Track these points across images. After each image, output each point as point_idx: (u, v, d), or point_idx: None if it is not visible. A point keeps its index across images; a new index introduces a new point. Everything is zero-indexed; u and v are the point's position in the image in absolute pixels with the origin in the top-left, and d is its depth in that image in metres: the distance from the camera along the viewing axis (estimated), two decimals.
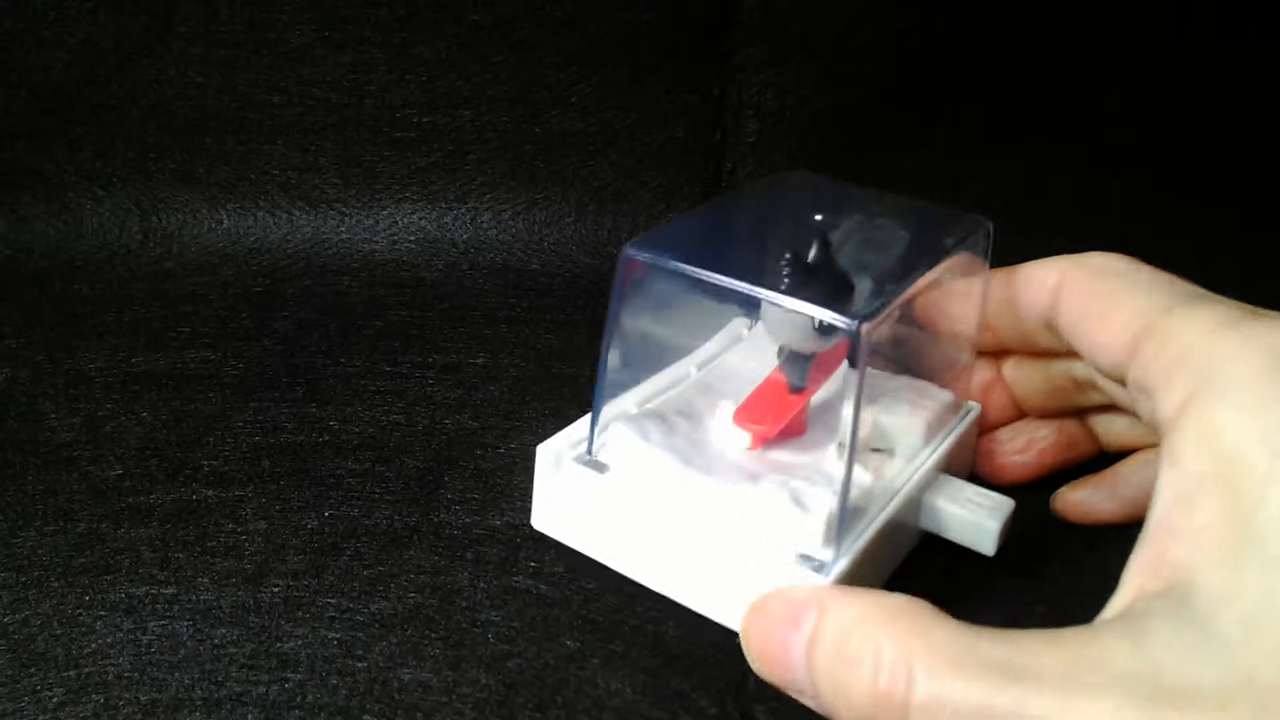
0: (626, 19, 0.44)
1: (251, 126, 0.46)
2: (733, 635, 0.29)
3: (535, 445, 0.36)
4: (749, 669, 0.28)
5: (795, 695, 0.24)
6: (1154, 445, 0.31)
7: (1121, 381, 0.27)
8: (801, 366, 0.30)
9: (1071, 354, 0.30)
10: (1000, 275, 0.31)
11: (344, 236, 0.47)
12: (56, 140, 0.46)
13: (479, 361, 0.40)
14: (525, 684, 0.27)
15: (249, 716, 0.27)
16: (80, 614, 0.29)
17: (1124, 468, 0.32)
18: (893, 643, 0.21)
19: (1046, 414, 0.33)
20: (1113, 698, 0.19)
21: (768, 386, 0.31)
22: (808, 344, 0.29)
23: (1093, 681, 0.19)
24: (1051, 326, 0.30)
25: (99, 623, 0.29)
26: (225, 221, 0.47)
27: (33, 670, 0.28)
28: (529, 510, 0.33)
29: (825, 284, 0.27)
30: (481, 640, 0.29)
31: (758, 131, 0.45)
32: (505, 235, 0.46)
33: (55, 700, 0.27)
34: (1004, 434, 0.34)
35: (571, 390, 0.38)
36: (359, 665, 0.28)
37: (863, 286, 0.28)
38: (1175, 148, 0.45)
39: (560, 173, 0.46)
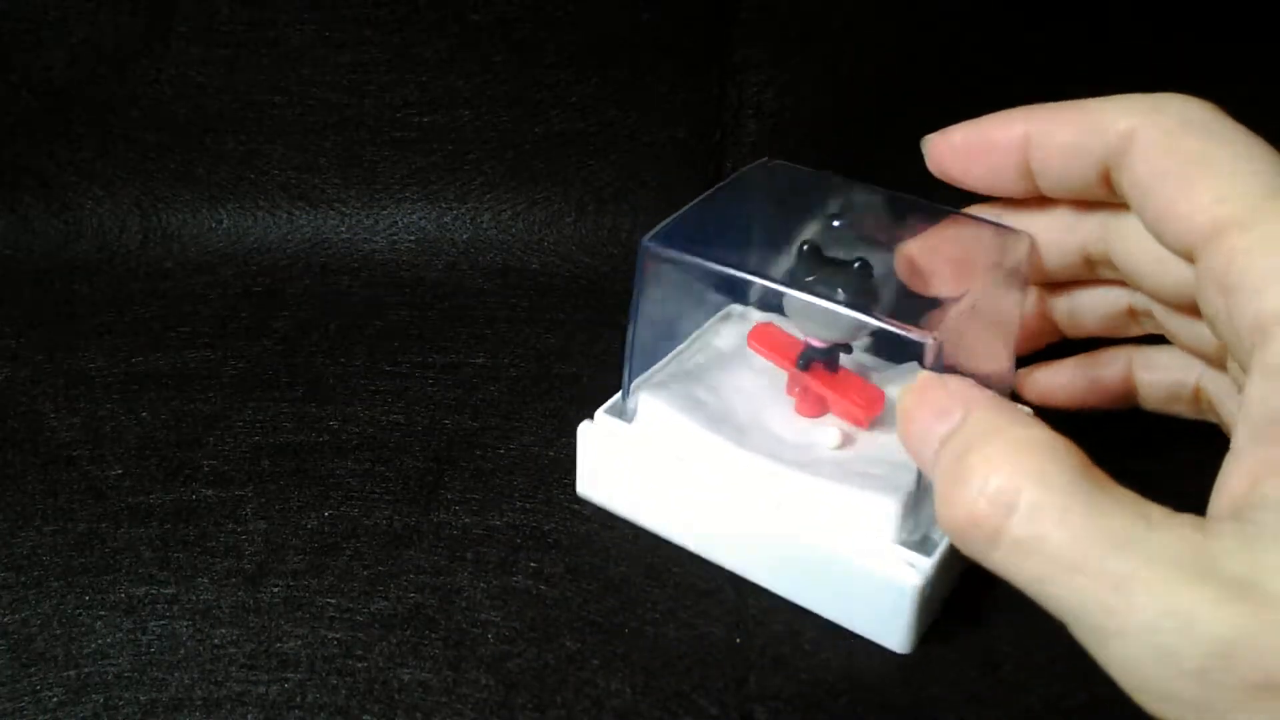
0: (626, 19, 0.44)
1: (252, 126, 0.46)
2: (734, 635, 0.29)
3: (536, 446, 0.36)
4: (749, 670, 0.28)
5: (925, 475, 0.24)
6: (1118, 344, 0.32)
7: (1185, 257, 0.24)
8: (815, 355, 0.31)
9: (1102, 209, 0.29)
10: (1056, 112, 0.28)
11: (344, 236, 0.47)
12: (56, 140, 0.46)
13: (479, 361, 0.40)
14: (525, 684, 0.27)
15: (249, 716, 0.27)
16: (80, 614, 0.30)
17: (1084, 360, 0.33)
18: (1006, 472, 0.21)
19: (1041, 272, 0.31)
20: (1217, 595, 0.18)
21: (840, 379, 0.31)
22: (840, 336, 0.30)
23: (1201, 575, 0.19)
24: (1113, 180, 0.27)
25: (99, 623, 0.29)
26: (225, 221, 0.47)
27: (32, 670, 0.28)
28: (529, 510, 0.33)
29: (851, 278, 0.28)
30: (481, 640, 0.29)
31: (758, 131, 0.45)
32: (505, 235, 0.46)
33: (55, 700, 0.27)
34: (1041, 374, 0.33)
35: (572, 390, 0.38)
36: (359, 665, 0.28)
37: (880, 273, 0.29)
38: None
39: (560, 173, 0.46)
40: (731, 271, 0.29)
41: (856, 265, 0.28)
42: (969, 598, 0.30)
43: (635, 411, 0.32)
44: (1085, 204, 0.29)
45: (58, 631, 0.29)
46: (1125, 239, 0.28)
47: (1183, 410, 0.32)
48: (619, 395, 0.32)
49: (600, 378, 0.39)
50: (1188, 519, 0.20)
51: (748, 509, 0.29)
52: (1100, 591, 0.19)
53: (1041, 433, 0.22)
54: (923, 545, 0.28)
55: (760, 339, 0.32)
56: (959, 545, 0.22)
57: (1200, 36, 0.44)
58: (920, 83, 0.45)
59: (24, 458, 0.35)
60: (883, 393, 0.31)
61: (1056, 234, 0.30)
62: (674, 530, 0.31)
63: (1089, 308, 0.32)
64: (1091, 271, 0.31)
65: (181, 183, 0.47)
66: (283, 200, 0.47)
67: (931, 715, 0.27)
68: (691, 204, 0.31)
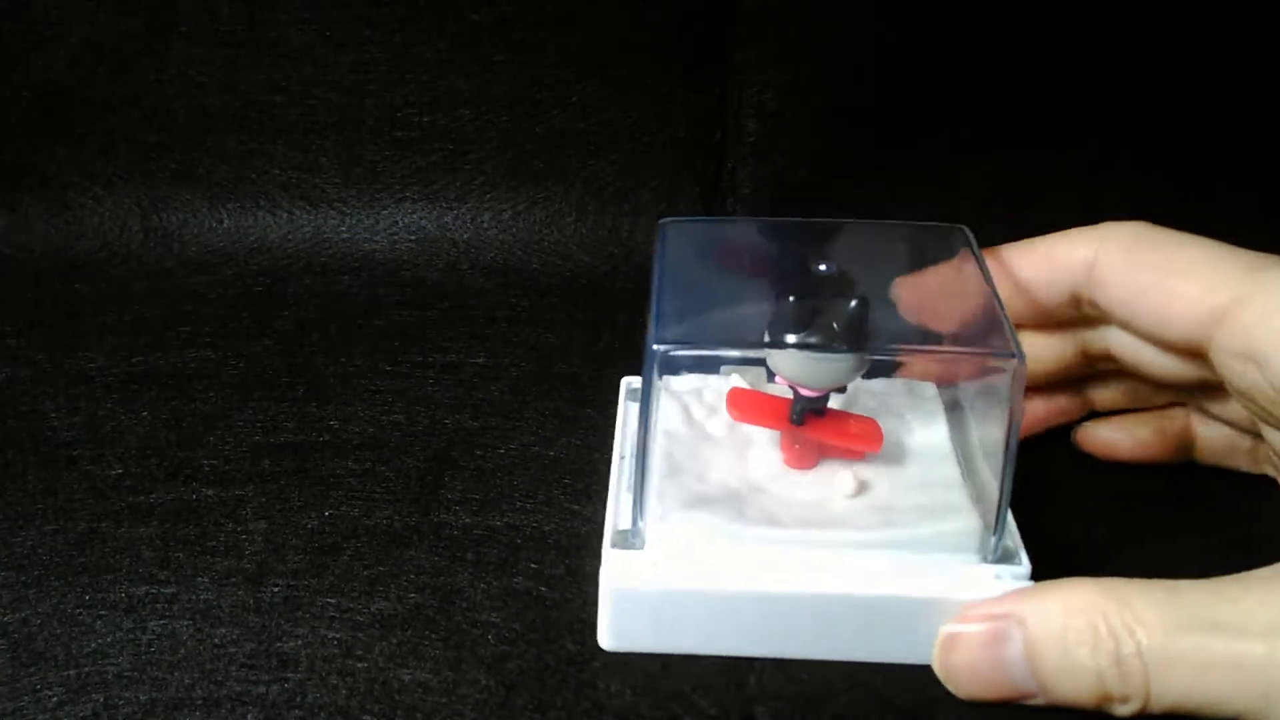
0: (627, 19, 0.44)
1: (252, 126, 0.46)
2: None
3: (536, 446, 0.36)
4: (749, 670, 0.28)
5: (1018, 700, 0.25)
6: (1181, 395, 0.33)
7: (1192, 353, 0.27)
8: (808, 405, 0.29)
9: (1085, 324, 0.31)
10: (1014, 253, 0.31)
11: (344, 236, 0.47)
12: (57, 139, 0.46)
13: (479, 361, 0.40)
14: (525, 685, 0.27)
15: (249, 716, 0.27)
16: (80, 613, 0.30)
17: (1149, 414, 0.33)
18: (1109, 615, 0.22)
19: (1046, 382, 0.33)
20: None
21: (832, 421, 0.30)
22: (842, 380, 0.28)
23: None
24: (1085, 302, 0.30)
25: (99, 622, 0.29)
26: (226, 221, 0.47)
27: (32, 669, 0.28)
28: (529, 510, 0.33)
29: (854, 318, 0.27)
30: (481, 641, 0.29)
31: (758, 131, 0.45)
32: (505, 235, 0.46)
33: (55, 699, 0.27)
34: (1103, 429, 0.34)
35: (572, 390, 0.38)
36: (359, 665, 0.28)
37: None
38: (1177, 150, 0.45)
39: (561, 172, 0.46)
40: (760, 353, 0.28)
41: (854, 304, 0.27)
42: None
43: (647, 538, 0.28)
44: (1062, 323, 0.32)
45: (58, 630, 0.29)
46: (1119, 345, 0.31)
47: (1241, 464, 0.33)
48: (612, 525, 0.29)
49: (601, 377, 0.39)
50: (1257, 576, 0.22)
51: (826, 596, 0.27)
52: (1231, 677, 0.21)
53: (1080, 581, 0.24)
54: (1006, 557, 0.28)
55: (741, 407, 0.30)
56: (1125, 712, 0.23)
57: (1195, 40, 0.44)
58: (920, 83, 0.45)
59: (24, 457, 0.35)
60: (871, 419, 0.30)
61: (1052, 349, 0.32)
62: (745, 647, 0.28)
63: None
64: (1090, 365, 0.33)
65: (182, 182, 0.47)
66: (283, 200, 0.47)
67: (931, 715, 0.27)
68: (655, 297, 0.29)
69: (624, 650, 0.28)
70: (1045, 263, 0.30)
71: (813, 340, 0.27)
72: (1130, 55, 0.44)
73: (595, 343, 0.41)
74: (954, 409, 0.32)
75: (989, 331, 0.27)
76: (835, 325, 0.26)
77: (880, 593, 0.27)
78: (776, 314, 0.27)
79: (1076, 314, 0.31)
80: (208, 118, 0.46)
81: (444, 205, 0.47)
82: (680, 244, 0.31)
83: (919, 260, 0.31)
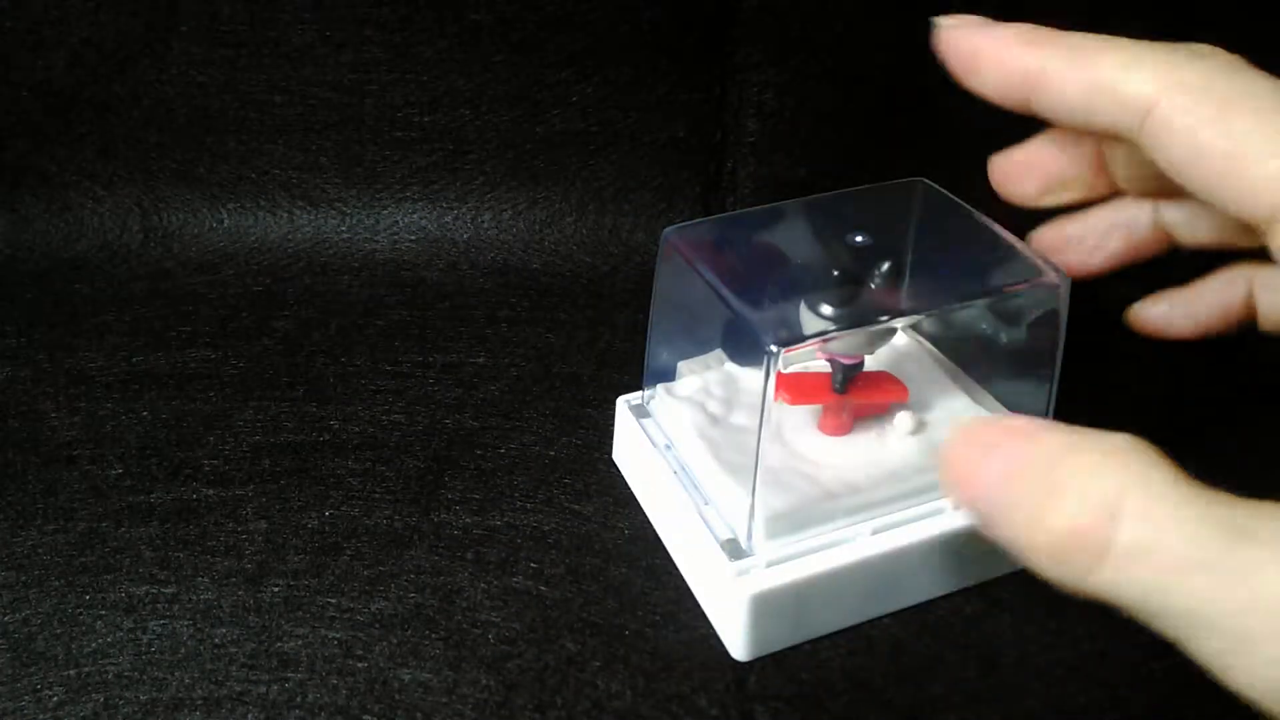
0: (627, 19, 0.44)
1: (252, 126, 0.46)
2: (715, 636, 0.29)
3: (536, 446, 0.36)
4: (749, 670, 0.28)
5: (982, 525, 0.22)
6: (1236, 261, 0.29)
7: (1252, 228, 0.23)
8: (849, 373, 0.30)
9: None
10: (1068, 62, 0.25)
11: (344, 236, 0.47)
12: (57, 139, 0.46)
13: (479, 361, 0.40)
14: (525, 685, 0.27)
15: (249, 716, 0.27)
16: (80, 613, 0.30)
17: (1205, 286, 0.30)
18: (1104, 479, 0.20)
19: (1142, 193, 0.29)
20: None
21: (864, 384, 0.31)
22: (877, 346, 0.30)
23: None
24: (1140, 158, 0.25)
25: (99, 622, 0.29)
26: (226, 221, 0.47)
27: (33, 669, 0.28)
28: (529, 510, 0.33)
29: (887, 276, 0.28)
30: (482, 641, 0.29)
31: (758, 131, 0.45)
32: (506, 235, 0.46)
33: (55, 699, 0.27)
34: (1072, 229, 0.30)
35: (572, 390, 0.38)
36: (359, 665, 0.28)
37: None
38: None
39: (561, 172, 0.46)
40: (848, 333, 0.28)
41: (888, 266, 0.28)
42: (969, 597, 0.30)
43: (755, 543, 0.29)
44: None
45: (58, 630, 0.29)
46: (1171, 212, 0.28)
47: None
48: (709, 539, 0.29)
49: (601, 377, 0.39)
50: None
51: (929, 540, 0.29)
52: (1228, 588, 0.18)
53: (1131, 440, 0.20)
54: None
55: (793, 390, 0.30)
56: (1051, 570, 0.21)
57: (1204, 35, 0.44)
58: (920, 83, 0.45)
59: (25, 457, 0.35)
60: (883, 372, 0.32)
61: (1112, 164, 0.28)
62: (867, 610, 0.30)
63: (1203, 222, 0.29)
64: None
65: (182, 182, 0.47)
66: (283, 200, 0.47)
67: (931, 715, 0.27)
68: (729, 302, 0.29)
69: (762, 656, 0.29)
70: (1096, 87, 0.24)
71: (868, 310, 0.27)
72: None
73: (595, 343, 0.41)
74: (962, 339, 0.33)
75: (1019, 262, 0.28)
76: (875, 289, 0.28)
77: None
78: (822, 292, 0.28)
79: (1136, 172, 0.27)
80: (208, 118, 0.46)
81: (444, 205, 0.47)
82: (700, 248, 0.31)
83: (903, 218, 0.32)
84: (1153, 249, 0.30)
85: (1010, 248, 0.30)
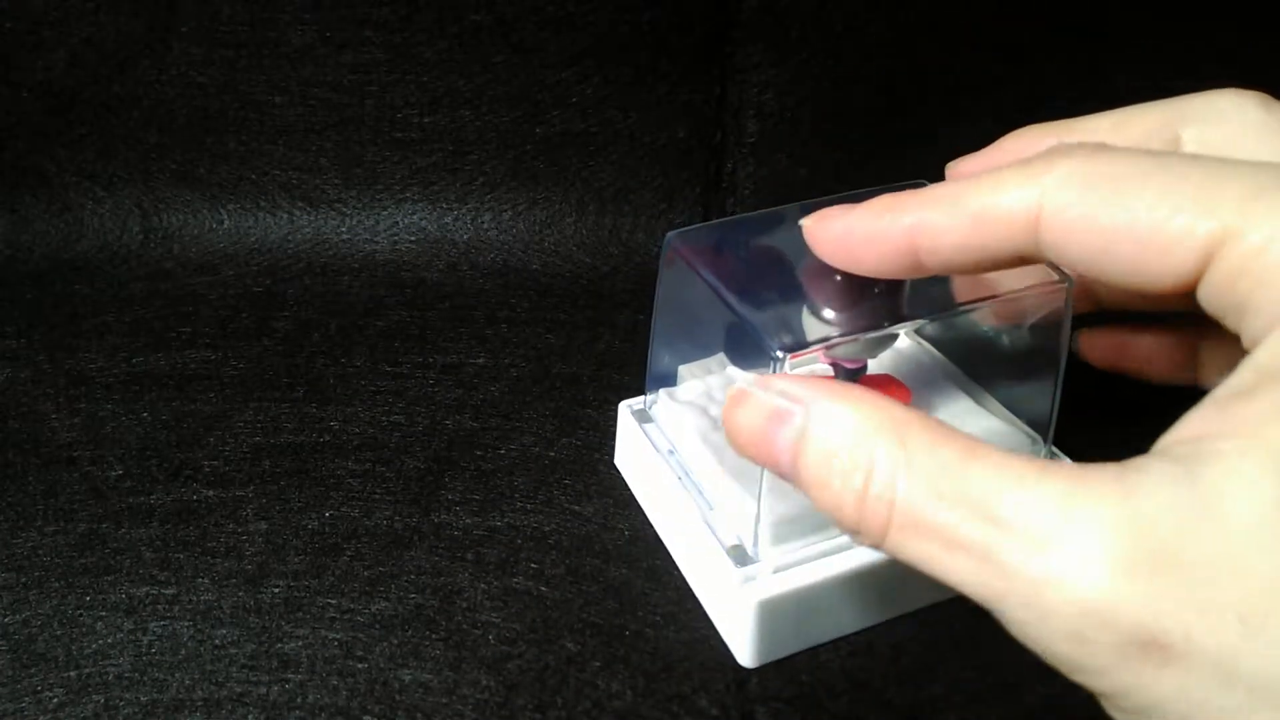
0: (627, 19, 0.44)
1: (253, 126, 0.46)
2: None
3: (536, 446, 0.36)
4: (749, 670, 0.28)
5: (782, 478, 0.23)
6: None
7: (1174, 288, 0.21)
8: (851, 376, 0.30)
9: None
10: (940, 208, 0.23)
11: (345, 236, 0.47)
12: (57, 140, 0.46)
13: (479, 361, 0.40)
14: (525, 685, 0.27)
15: (249, 717, 0.27)
16: (81, 614, 0.30)
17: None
18: (880, 451, 0.20)
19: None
20: (1085, 551, 0.18)
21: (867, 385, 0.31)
22: (873, 354, 0.30)
23: (1068, 531, 0.18)
24: (1034, 257, 0.23)
25: (99, 623, 0.29)
26: (226, 221, 0.47)
27: (33, 670, 0.28)
28: (529, 511, 0.33)
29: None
30: (482, 641, 0.29)
31: (758, 132, 0.45)
32: (506, 235, 0.46)
33: (56, 701, 0.27)
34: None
35: (572, 390, 0.38)
36: (359, 666, 0.28)
37: None
38: None
39: (561, 173, 0.46)
40: (851, 338, 0.27)
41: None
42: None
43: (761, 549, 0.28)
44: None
45: (58, 632, 0.29)
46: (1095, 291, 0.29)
47: None
48: (713, 545, 0.29)
49: (601, 377, 0.39)
50: (1061, 470, 0.19)
51: None
52: (975, 565, 0.19)
53: (893, 406, 0.21)
54: None
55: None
56: (861, 542, 0.22)
57: (1206, 32, 0.44)
58: (920, 83, 0.45)
59: (25, 458, 0.35)
60: (886, 375, 0.32)
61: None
62: (869, 618, 0.30)
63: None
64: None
65: (182, 183, 0.47)
66: (283, 200, 0.47)
67: (931, 715, 0.27)
68: (735, 306, 0.28)
69: (768, 662, 0.28)
70: (974, 229, 0.23)
71: (881, 313, 0.27)
72: (1132, 57, 0.44)
73: (595, 343, 0.41)
74: (965, 341, 0.33)
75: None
76: (877, 293, 0.27)
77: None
78: (830, 295, 0.27)
79: (1013, 264, 0.24)
80: (208, 118, 0.46)
81: (444, 206, 0.47)
82: (703, 252, 0.31)
83: None
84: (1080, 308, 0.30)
85: None
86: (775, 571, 0.28)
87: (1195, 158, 0.21)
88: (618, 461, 0.35)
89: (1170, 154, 0.21)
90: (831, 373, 0.30)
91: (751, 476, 0.28)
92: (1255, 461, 0.18)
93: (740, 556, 0.28)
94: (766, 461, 0.23)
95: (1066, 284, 0.28)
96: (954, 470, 0.20)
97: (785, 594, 0.27)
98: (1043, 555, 0.18)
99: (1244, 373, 0.19)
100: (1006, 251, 0.23)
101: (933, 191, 0.24)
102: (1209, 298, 0.20)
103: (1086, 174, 0.21)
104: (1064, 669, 0.19)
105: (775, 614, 0.28)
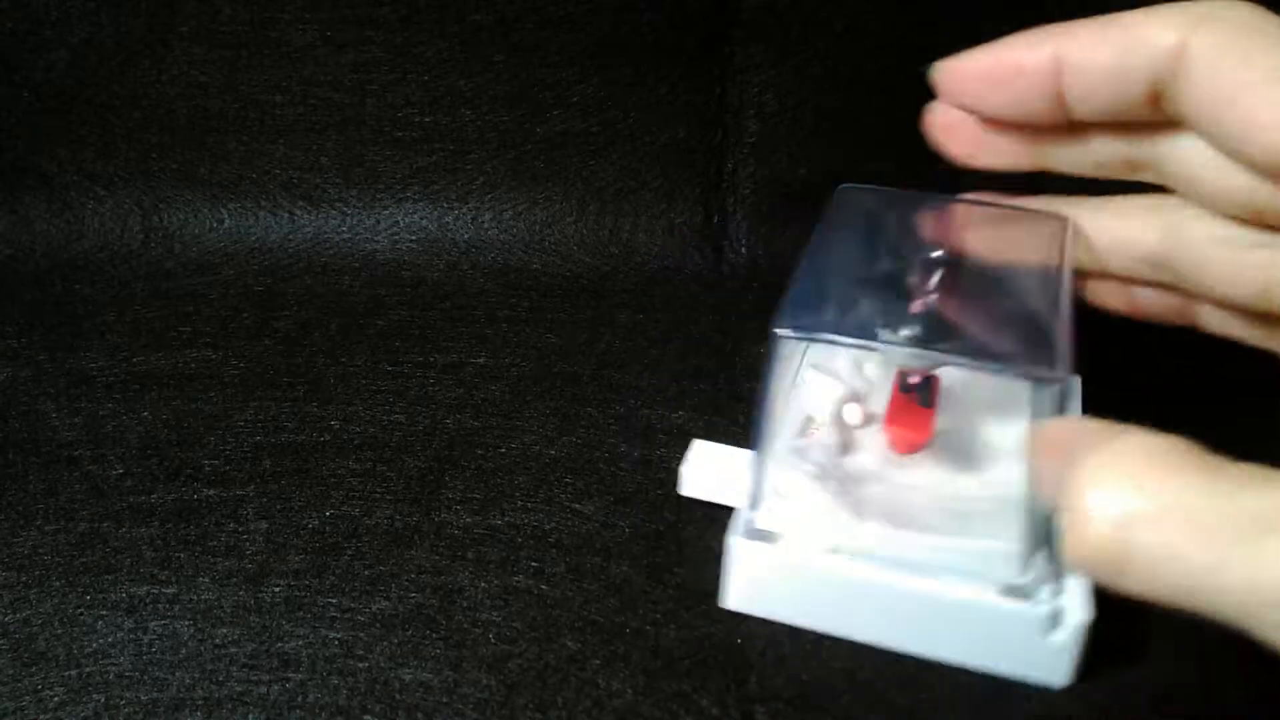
0: (627, 19, 0.44)
1: (253, 126, 0.46)
2: (735, 635, 0.29)
3: (536, 445, 0.36)
4: (749, 670, 0.28)
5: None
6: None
7: (1269, 172, 0.23)
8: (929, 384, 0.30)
9: (1128, 130, 0.26)
10: (1091, 31, 0.25)
11: (345, 236, 0.47)
12: (58, 140, 0.46)
13: (480, 361, 0.40)
14: (526, 685, 0.27)
15: (250, 716, 0.27)
16: (81, 613, 0.30)
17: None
18: (1119, 490, 0.20)
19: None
20: None
21: (899, 402, 0.30)
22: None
23: None
24: (1164, 100, 0.25)
25: (100, 622, 0.29)
26: (227, 221, 0.47)
27: (33, 669, 0.28)
28: (530, 509, 0.33)
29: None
30: (482, 641, 0.29)
31: (758, 131, 0.45)
32: (506, 235, 0.47)
33: (56, 700, 0.27)
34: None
35: (573, 389, 0.38)
36: (360, 665, 0.28)
37: None
38: None
39: (561, 172, 0.46)
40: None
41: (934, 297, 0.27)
42: None
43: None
44: (1122, 127, 0.27)
45: (59, 631, 0.29)
46: (1179, 159, 0.26)
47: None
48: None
49: (601, 377, 0.39)
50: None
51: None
52: (1242, 593, 0.18)
53: (1162, 441, 0.20)
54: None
55: (896, 421, 0.30)
56: (1093, 578, 0.21)
57: None
58: (921, 83, 0.45)
59: (25, 457, 0.35)
60: (928, 412, 0.31)
61: (1095, 165, 0.28)
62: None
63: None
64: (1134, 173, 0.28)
65: (183, 182, 0.47)
66: (284, 200, 0.47)
67: (931, 716, 0.27)
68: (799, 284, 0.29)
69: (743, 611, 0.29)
70: (1127, 43, 0.24)
71: (893, 337, 0.27)
72: None
73: (595, 343, 0.41)
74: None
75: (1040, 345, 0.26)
76: (918, 317, 0.27)
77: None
78: (879, 305, 0.27)
79: (1143, 115, 0.26)
80: (209, 118, 0.46)
81: (445, 205, 0.47)
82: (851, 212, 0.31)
83: (1022, 244, 0.31)
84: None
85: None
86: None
87: None
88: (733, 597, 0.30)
89: None
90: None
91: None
92: None
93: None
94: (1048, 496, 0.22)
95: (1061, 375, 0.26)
96: (1216, 490, 0.19)
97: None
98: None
99: None
100: (1144, 87, 0.24)
101: (1074, 23, 0.25)
102: None
103: (1237, 26, 0.22)
104: None
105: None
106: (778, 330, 0.26)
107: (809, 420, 0.32)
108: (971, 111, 0.28)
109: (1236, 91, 0.22)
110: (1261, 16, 0.23)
